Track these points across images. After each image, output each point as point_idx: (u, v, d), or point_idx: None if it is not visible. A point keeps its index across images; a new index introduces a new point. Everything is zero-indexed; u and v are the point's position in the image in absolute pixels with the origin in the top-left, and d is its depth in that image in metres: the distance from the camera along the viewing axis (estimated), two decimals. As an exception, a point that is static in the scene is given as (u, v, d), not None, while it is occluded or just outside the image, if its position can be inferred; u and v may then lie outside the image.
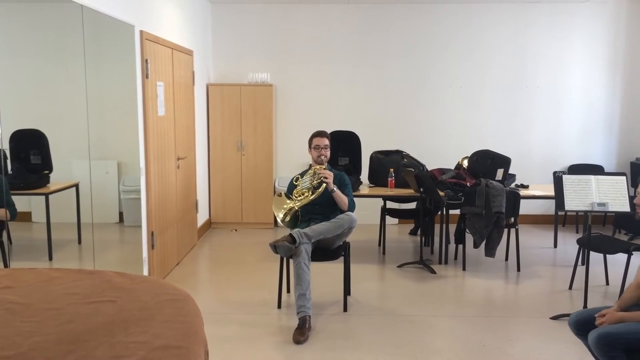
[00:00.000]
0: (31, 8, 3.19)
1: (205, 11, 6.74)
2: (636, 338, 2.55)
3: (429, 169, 5.81)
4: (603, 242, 4.60)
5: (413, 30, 6.97)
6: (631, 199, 4.04)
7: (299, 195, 4.20)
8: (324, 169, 4.20)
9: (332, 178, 4.13)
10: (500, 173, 5.37)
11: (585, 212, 3.92)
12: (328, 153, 4.32)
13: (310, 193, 4.17)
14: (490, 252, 5.04)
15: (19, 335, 1.70)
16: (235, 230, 6.85)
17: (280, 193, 4.32)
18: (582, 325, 2.80)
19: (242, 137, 6.78)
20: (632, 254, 4.27)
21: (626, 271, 4.26)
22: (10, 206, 2.90)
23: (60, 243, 3.47)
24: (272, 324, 3.97)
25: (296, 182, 4.32)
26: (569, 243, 6.17)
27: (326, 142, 4.31)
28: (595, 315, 2.74)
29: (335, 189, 4.14)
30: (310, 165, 4.35)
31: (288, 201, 4.19)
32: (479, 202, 4.97)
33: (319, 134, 4.34)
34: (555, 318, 4.01)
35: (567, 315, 4.03)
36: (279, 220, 4.19)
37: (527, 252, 5.75)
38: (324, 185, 4.12)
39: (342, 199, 4.17)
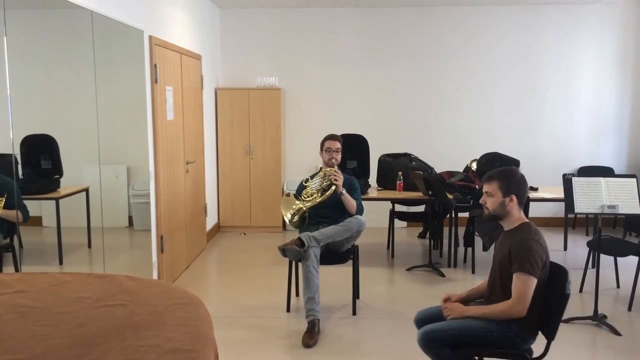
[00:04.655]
0: (42, 15, 3.23)
1: (213, 16, 6.78)
2: (459, 334, 2.63)
3: (437, 172, 5.80)
4: (614, 244, 4.56)
5: (421, 34, 6.97)
6: None
7: (308, 197, 4.21)
8: (335, 171, 4.21)
9: (342, 180, 4.14)
10: (509, 175, 5.33)
11: (596, 214, 3.90)
12: (339, 157, 4.33)
13: (319, 195, 4.17)
14: (499, 255, 5.01)
15: (32, 339, 1.71)
16: (244, 233, 6.86)
17: (289, 193, 4.33)
18: (422, 322, 2.86)
19: (251, 141, 6.80)
20: (644, 257, 4.22)
21: (637, 274, 4.22)
22: (22, 207, 2.93)
23: (70, 247, 3.49)
24: (282, 328, 3.97)
25: (306, 183, 4.34)
26: (579, 246, 6.13)
27: (338, 145, 4.33)
28: (442, 298, 2.86)
29: (344, 191, 4.14)
30: (321, 168, 4.36)
31: (297, 202, 4.20)
32: (488, 205, 4.94)
33: (332, 137, 4.36)
34: (565, 322, 3.97)
35: (578, 318, 4.01)
36: (286, 220, 4.20)
37: (537, 255, 5.70)
38: (333, 187, 4.12)
39: (350, 202, 4.17)
